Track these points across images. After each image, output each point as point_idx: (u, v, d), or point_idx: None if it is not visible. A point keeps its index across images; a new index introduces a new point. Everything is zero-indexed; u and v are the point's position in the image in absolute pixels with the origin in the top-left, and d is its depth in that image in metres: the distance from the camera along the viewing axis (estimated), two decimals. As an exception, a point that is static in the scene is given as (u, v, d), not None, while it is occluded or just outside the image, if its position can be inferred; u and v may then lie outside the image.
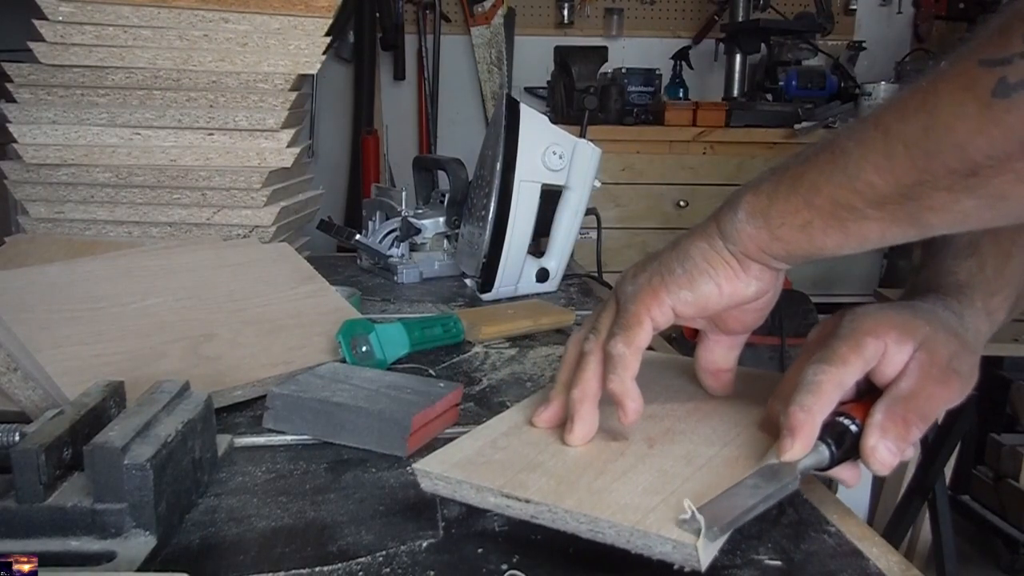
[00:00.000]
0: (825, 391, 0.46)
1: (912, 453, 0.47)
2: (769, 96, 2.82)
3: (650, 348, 0.87)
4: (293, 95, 1.05)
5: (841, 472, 0.47)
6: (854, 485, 0.48)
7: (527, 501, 0.43)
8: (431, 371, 0.79)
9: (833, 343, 0.48)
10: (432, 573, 0.44)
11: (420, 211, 1.25)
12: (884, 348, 0.48)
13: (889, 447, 0.45)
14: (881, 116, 0.42)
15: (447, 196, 1.22)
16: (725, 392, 0.58)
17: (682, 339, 2.23)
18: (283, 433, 0.63)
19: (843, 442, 0.46)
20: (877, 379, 0.48)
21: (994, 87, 0.36)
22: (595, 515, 0.41)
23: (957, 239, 0.59)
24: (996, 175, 0.38)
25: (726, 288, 0.49)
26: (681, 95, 2.95)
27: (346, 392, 0.63)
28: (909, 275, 0.60)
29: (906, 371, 0.48)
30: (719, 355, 0.57)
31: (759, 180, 0.48)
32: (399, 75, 3.11)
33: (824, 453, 0.45)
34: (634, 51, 3.16)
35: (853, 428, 0.46)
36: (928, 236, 0.44)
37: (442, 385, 0.65)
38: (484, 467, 0.47)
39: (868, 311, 0.50)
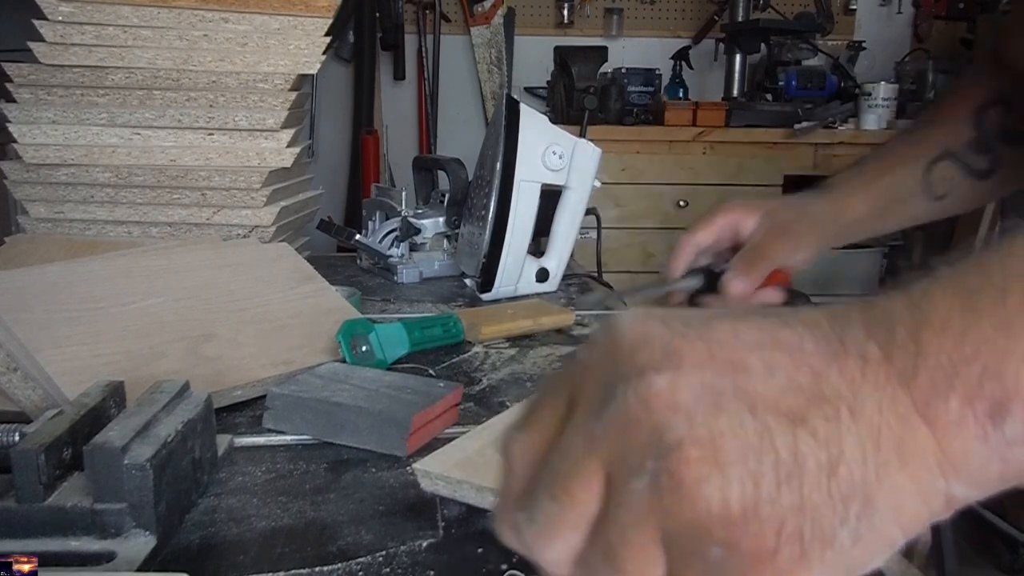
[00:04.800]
0: (683, 246, 0.71)
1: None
2: (769, 96, 2.82)
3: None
4: (293, 95, 1.05)
5: (712, 300, 0.69)
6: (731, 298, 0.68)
7: None
8: (431, 371, 0.79)
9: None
10: (432, 573, 0.44)
11: (420, 211, 1.25)
12: (735, 219, 0.70)
13: (740, 278, 0.67)
14: None
15: (447, 196, 1.22)
16: None
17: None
18: (283, 433, 0.63)
19: (712, 276, 0.70)
20: (740, 241, 0.70)
21: None
22: None
23: (863, 159, 0.77)
24: None
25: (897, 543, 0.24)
26: (681, 95, 2.95)
27: (346, 392, 0.63)
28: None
29: (755, 231, 0.69)
30: None
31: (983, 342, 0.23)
32: (399, 75, 3.11)
33: (698, 279, 0.71)
34: (634, 51, 3.16)
35: (718, 271, 0.70)
36: None
37: (442, 385, 0.65)
38: (484, 467, 0.47)
39: (731, 202, 0.72)
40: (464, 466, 0.47)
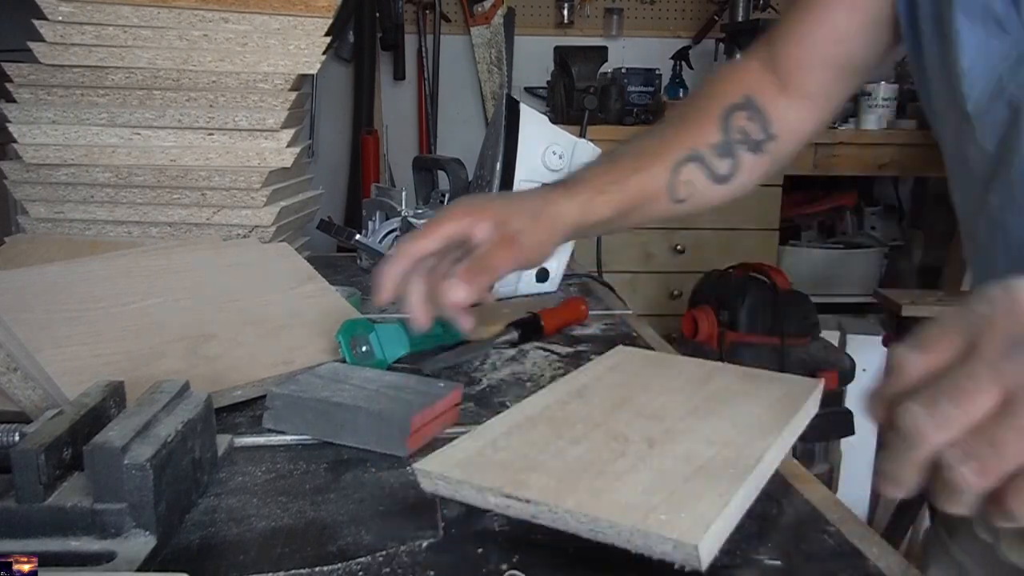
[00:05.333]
0: (402, 253, 0.63)
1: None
2: (769, 96, 2.82)
3: (649, 348, 0.87)
4: (293, 95, 1.05)
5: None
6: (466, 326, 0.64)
7: (527, 501, 0.43)
8: (424, 371, 0.79)
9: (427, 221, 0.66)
10: (432, 573, 0.44)
11: (420, 211, 1.25)
12: (464, 225, 0.63)
13: (459, 287, 0.60)
14: None
15: (447, 196, 1.22)
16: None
17: (682, 339, 2.23)
18: (283, 433, 0.63)
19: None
20: (471, 247, 0.64)
21: None
22: (595, 515, 0.41)
23: (613, 152, 0.75)
24: None
25: None
26: (681, 95, 2.95)
27: (346, 392, 0.63)
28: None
29: (484, 239, 0.63)
30: None
31: None
32: (399, 75, 3.11)
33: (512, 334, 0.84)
34: (634, 51, 3.16)
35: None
36: None
37: (442, 385, 0.65)
38: (485, 467, 0.47)
39: (463, 202, 0.67)
40: (464, 466, 0.47)
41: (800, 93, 0.76)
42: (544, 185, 0.72)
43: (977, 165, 0.61)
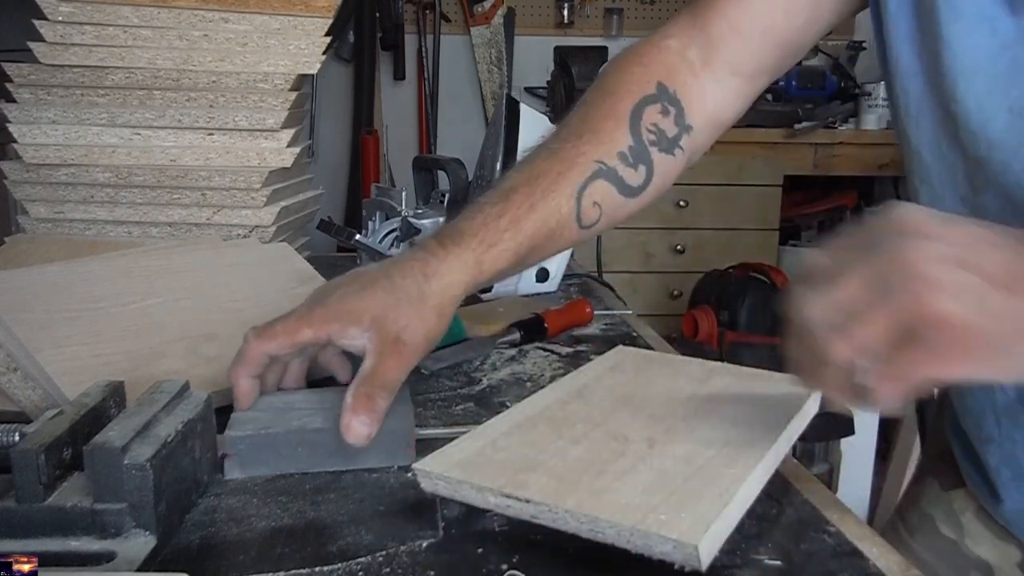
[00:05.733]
0: (247, 357, 0.57)
1: None
2: (769, 96, 2.82)
3: (650, 348, 0.87)
4: (293, 95, 1.05)
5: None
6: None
7: (527, 501, 0.43)
8: (423, 371, 0.79)
9: (285, 319, 0.57)
10: (432, 573, 0.44)
11: (420, 211, 1.25)
12: (325, 334, 0.55)
13: (363, 421, 0.52)
14: None
15: (447, 196, 1.22)
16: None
17: (682, 339, 2.23)
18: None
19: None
20: (337, 346, 0.56)
21: None
22: (595, 515, 0.41)
23: (506, 180, 0.64)
24: None
25: None
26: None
27: (315, 416, 0.57)
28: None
29: (366, 352, 0.54)
30: None
31: None
32: (399, 75, 3.11)
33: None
34: (634, 51, 3.16)
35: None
36: None
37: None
38: (484, 467, 0.47)
39: (333, 299, 0.56)
40: (464, 466, 0.47)
41: (730, 69, 0.69)
42: (414, 247, 0.61)
43: (962, 165, 0.58)
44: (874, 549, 0.47)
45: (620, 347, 0.70)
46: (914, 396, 0.39)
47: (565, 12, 3.13)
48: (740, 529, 0.44)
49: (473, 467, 0.47)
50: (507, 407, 0.57)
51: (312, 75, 1.08)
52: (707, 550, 0.39)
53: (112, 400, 0.53)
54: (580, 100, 0.70)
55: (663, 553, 0.39)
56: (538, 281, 1.11)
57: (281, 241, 1.06)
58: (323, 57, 1.06)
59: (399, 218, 1.21)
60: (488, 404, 0.70)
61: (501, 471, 0.46)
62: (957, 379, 0.39)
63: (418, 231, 1.21)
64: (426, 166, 1.36)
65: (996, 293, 0.38)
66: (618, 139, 0.65)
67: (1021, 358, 0.39)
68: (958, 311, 0.37)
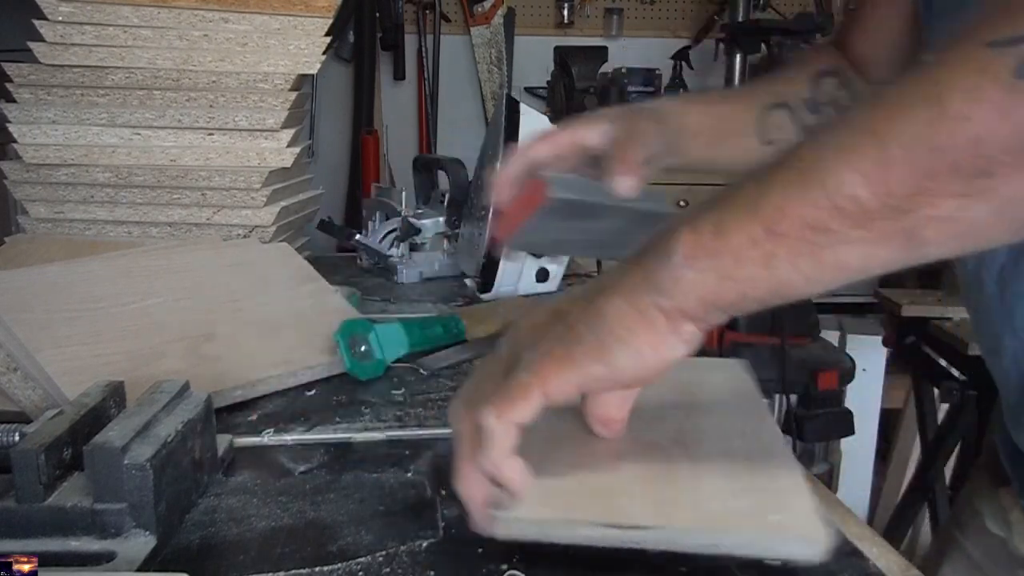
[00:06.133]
0: (516, 159, 0.67)
1: None
2: (769, 96, 2.82)
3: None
4: (293, 95, 1.05)
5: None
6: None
7: (636, 528, 0.40)
8: (423, 371, 0.79)
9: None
10: (432, 573, 0.44)
11: (420, 211, 1.25)
12: (578, 133, 0.66)
13: (624, 179, 0.62)
14: (862, 117, 0.36)
15: (447, 196, 1.22)
16: (616, 437, 0.49)
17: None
18: (283, 433, 0.63)
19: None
20: (589, 153, 0.66)
21: (1016, 68, 0.32)
22: (713, 528, 0.40)
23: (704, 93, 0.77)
24: (1015, 172, 0.33)
25: (649, 357, 0.40)
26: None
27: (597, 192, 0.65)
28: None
29: (611, 139, 0.64)
30: (613, 408, 0.47)
31: (696, 214, 0.39)
32: (399, 75, 3.11)
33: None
34: (634, 51, 3.16)
35: None
36: (919, 260, 0.37)
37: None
38: (558, 499, 0.43)
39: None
40: (543, 503, 0.42)
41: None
42: (630, 105, 0.72)
43: None
44: (874, 549, 0.47)
45: None
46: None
47: (565, 12, 3.13)
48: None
49: (550, 501, 0.42)
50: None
51: (312, 75, 1.08)
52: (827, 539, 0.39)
53: (112, 400, 0.53)
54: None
55: (788, 553, 0.39)
56: (538, 281, 1.11)
57: (281, 241, 1.06)
58: (323, 57, 1.06)
59: (399, 218, 1.21)
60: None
61: (583, 501, 0.43)
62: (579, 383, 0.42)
63: (418, 231, 1.21)
64: (426, 166, 1.36)
65: (551, 325, 0.42)
66: (799, 90, 0.74)
67: (615, 356, 0.40)
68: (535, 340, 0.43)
